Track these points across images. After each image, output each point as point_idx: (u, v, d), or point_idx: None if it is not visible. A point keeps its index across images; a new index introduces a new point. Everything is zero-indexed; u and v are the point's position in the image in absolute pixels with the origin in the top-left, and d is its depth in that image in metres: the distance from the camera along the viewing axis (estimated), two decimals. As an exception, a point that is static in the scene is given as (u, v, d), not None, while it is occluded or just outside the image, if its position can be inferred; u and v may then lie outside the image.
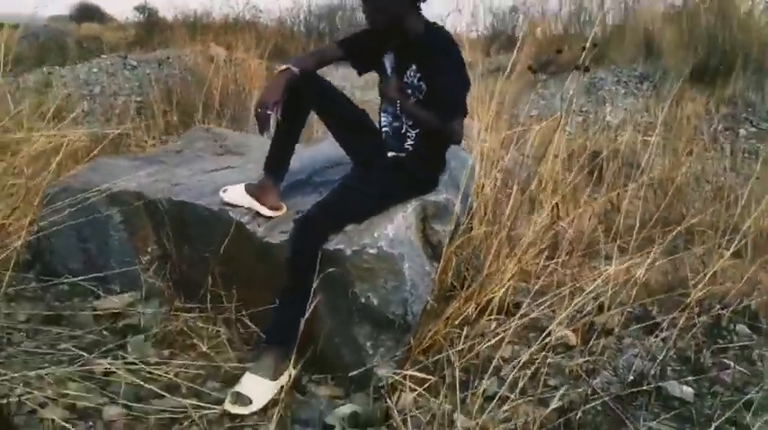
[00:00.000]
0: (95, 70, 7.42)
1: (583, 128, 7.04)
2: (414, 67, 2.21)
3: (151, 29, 11.56)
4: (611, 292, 2.51)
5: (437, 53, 2.16)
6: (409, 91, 2.23)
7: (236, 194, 2.36)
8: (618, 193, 3.48)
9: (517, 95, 8.32)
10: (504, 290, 2.39)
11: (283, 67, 2.17)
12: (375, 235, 2.09)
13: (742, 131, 7.33)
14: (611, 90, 9.17)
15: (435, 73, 2.17)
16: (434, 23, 2.28)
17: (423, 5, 2.22)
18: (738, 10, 8.83)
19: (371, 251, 2.05)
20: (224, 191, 2.38)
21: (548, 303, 2.31)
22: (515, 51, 3.08)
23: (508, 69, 2.97)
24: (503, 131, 3.69)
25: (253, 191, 2.34)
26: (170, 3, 12.85)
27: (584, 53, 3.06)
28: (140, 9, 14.06)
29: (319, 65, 2.30)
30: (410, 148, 2.28)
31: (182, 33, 9.16)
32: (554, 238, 2.98)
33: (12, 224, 2.48)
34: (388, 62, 2.32)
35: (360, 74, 2.45)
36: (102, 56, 8.02)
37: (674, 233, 2.87)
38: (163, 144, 4.94)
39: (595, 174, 4.15)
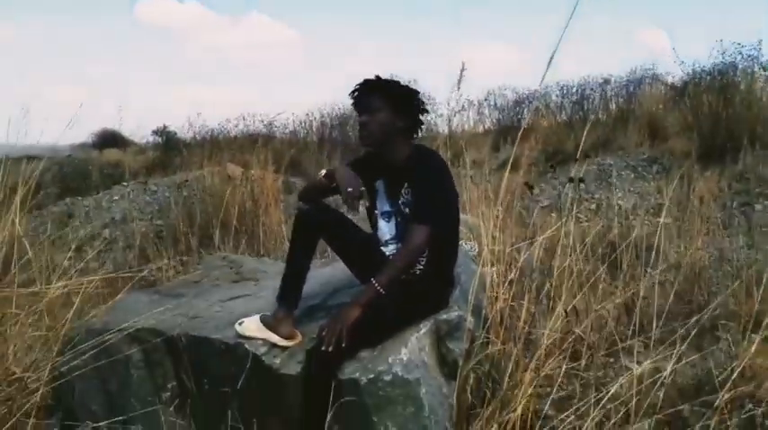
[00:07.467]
0: (116, 197, 7.68)
1: (595, 214, 7.07)
2: (405, 185, 2.36)
3: (170, 152, 12.01)
4: (637, 398, 2.45)
5: (420, 173, 2.31)
6: (406, 210, 2.36)
7: (251, 326, 2.39)
8: (634, 290, 3.44)
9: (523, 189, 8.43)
10: (523, 404, 2.34)
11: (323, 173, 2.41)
12: (390, 360, 2.10)
13: (758, 207, 7.28)
14: (621, 175, 9.24)
15: (417, 189, 2.32)
16: (422, 146, 2.46)
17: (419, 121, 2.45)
18: (739, 88, 9.03)
19: (387, 378, 2.06)
20: (240, 323, 2.41)
21: (572, 415, 2.25)
22: (516, 145, 3.13)
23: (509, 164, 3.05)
24: (512, 230, 3.72)
25: (268, 321, 2.38)
26: (188, 124, 13.46)
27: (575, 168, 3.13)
28: (159, 132, 14.74)
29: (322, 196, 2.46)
30: (419, 272, 2.34)
31: (200, 154, 9.48)
32: (574, 341, 2.94)
33: (32, 375, 2.52)
34: (380, 187, 2.49)
35: None
36: (123, 183, 8.32)
37: (695, 324, 2.81)
38: (183, 266, 5.08)
39: (608, 263, 4.13)
